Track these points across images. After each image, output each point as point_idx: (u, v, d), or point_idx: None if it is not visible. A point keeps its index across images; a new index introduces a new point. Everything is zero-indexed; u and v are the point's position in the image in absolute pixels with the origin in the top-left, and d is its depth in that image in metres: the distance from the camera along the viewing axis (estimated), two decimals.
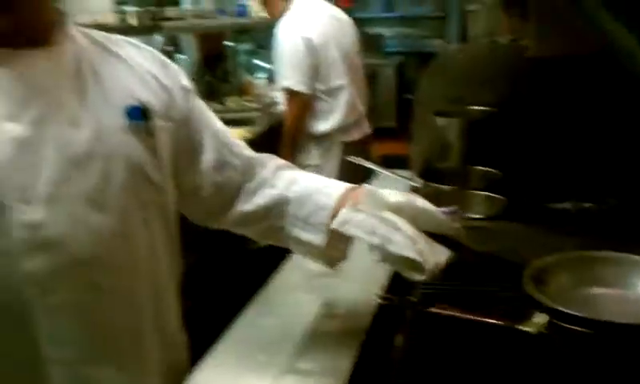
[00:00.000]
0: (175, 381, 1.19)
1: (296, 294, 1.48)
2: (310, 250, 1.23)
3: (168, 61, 1.22)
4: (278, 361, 1.14)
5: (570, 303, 0.93)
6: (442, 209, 1.17)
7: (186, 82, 1.23)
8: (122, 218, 1.05)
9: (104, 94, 1.06)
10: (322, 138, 3.46)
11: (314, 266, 1.30)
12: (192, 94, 1.24)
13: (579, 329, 0.87)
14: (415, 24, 8.96)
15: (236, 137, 1.32)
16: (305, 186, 1.25)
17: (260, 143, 3.61)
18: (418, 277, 1.05)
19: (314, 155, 3.46)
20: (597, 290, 1.02)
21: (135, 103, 1.09)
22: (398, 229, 1.08)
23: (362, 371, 1.06)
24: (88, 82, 1.05)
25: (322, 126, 3.43)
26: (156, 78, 1.15)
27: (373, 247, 1.10)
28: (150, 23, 3.00)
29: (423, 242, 1.07)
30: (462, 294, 1.20)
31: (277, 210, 1.25)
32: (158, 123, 1.11)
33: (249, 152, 1.32)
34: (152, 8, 3.17)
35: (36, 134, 0.96)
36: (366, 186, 1.21)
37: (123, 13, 3.04)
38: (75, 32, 1.09)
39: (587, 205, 1.88)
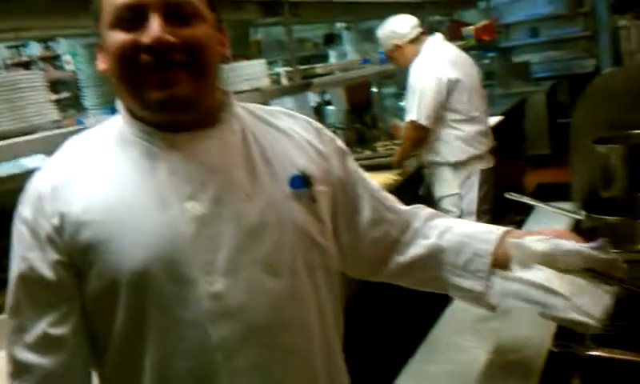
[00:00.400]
0: None
1: (463, 338, 1.48)
2: (470, 296, 1.25)
3: (322, 127, 1.29)
4: None
5: None
6: (591, 244, 1.14)
7: (341, 144, 1.30)
8: (292, 281, 1.11)
9: (270, 166, 1.14)
10: (460, 167, 3.63)
11: (477, 310, 1.31)
12: (347, 156, 1.30)
13: None
14: (563, 46, 8.70)
15: (388, 180, 1.37)
16: (458, 234, 1.28)
17: (408, 183, 3.69)
18: (587, 330, 1.04)
19: (452, 184, 3.63)
20: None
21: (297, 172, 1.16)
22: (552, 292, 1.08)
23: None
24: (255, 157, 1.14)
25: (459, 154, 3.60)
26: (313, 146, 1.22)
27: (534, 309, 1.10)
28: (301, 82, 3.15)
29: (581, 296, 1.06)
30: (635, 335, 1.15)
31: (433, 259, 1.28)
32: (319, 188, 1.18)
33: (401, 206, 1.36)
34: (302, 66, 3.33)
35: (214, 211, 1.06)
36: (512, 241, 1.21)
37: (277, 75, 3.23)
38: (239, 109, 1.19)
39: None
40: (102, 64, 1.09)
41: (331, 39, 6.07)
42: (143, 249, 1.02)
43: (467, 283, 1.24)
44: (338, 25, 5.43)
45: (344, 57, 4.35)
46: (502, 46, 8.76)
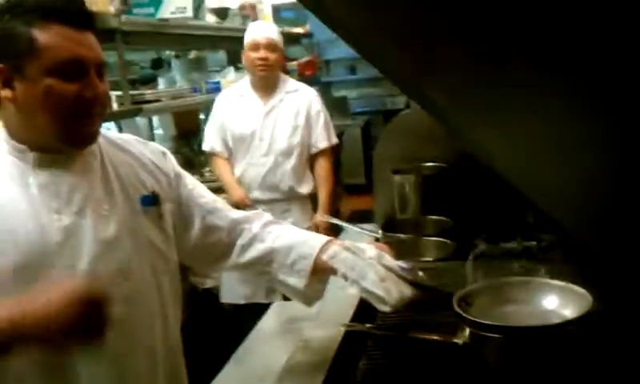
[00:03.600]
0: None
1: (276, 337, 1.73)
2: (294, 291, 1.51)
3: (166, 151, 1.53)
4: None
5: (488, 318, 1.19)
6: (402, 264, 1.44)
7: (178, 168, 1.53)
8: (140, 285, 1.34)
9: (124, 187, 1.36)
10: None
11: (290, 313, 1.55)
12: (182, 177, 1.53)
13: (492, 335, 1.13)
14: (378, 84, 9.30)
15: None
16: (288, 239, 1.53)
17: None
18: (384, 308, 1.34)
19: None
20: (510, 307, 1.28)
21: (147, 193, 1.39)
22: (372, 266, 1.37)
23: None
24: (111, 178, 1.35)
25: None
26: (160, 168, 1.46)
27: (351, 281, 1.38)
28: (131, 107, 3.26)
29: (391, 281, 1.35)
30: (412, 321, 1.47)
31: (266, 259, 1.53)
32: (165, 206, 1.42)
33: (234, 214, 1.59)
34: (132, 92, 3.43)
35: (78, 223, 1.26)
36: (344, 241, 1.50)
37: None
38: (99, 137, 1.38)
39: (530, 243, 2.14)
40: (6, 92, 1.23)
41: (159, 64, 6.17)
42: (16, 251, 1.19)
43: (292, 280, 1.49)
44: (167, 52, 5.55)
45: (173, 84, 4.49)
46: (323, 81, 9.30)
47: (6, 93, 1.23)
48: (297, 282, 1.48)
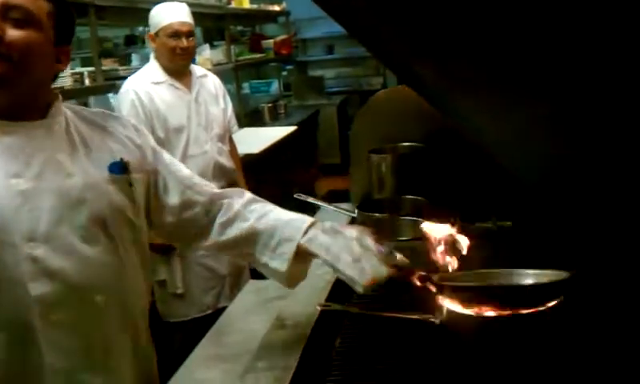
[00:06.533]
0: None
1: (251, 315, 1.72)
2: (274, 273, 1.47)
3: (140, 126, 1.50)
4: (239, 366, 1.39)
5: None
6: (379, 248, 1.42)
7: (154, 143, 1.50)
8: (107, 250, 1.31)
9: (90, 153, 1.33)
10: None
11: (265, 292, 1.54)
12: (159, 152, 1.51)
13: (467, 313, 1.14)
14: (355, 64, 9.34)
15: None
16: (272, 220, 1.49)
17: None
18: (358, 289, 1.33)
19: None
20: None
21: (116, 160, 1.36)
22: (347, 248, 1.35)
23: (307, 367, 1.31)
24: (77, 145, 1.32)
25: None
26: (131, 140, 1.43)
27: (326, 262, 1.37)
28: (103, 82, 3.21)
29: (366, 262, 1.34)
30: (388, 300, 1.47)
31: (249, 240, 1.49)
32: (135, 176, 1.39)
33: (215, 190, 1.57)
34: (106, 68, 3.38)
35: (37, 187, 1.23)
36: (326, 223, 1.46)
37: (79, 74, 3.26)
38: (66, 109, 1.36)
39: (506, 223, 2.16)
40: None
41: (133, 41, 6.09)
42: None
43: (274, 263, 1.45)
44: (141, 28, 5.48)
45: (146, 60, 4.43)
46: (299, 60, 9.28)
47: None
48: (279, 264, 1.45)
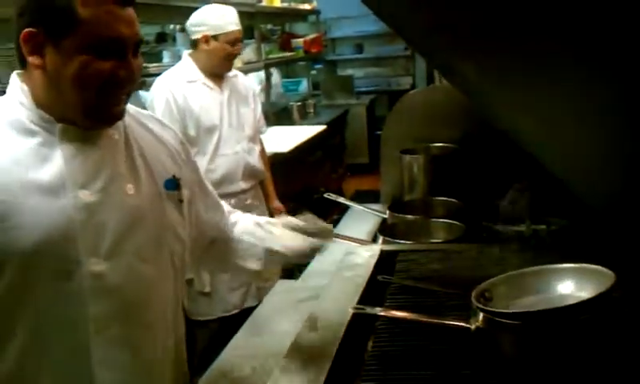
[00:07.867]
0: None
1: (283, 315, 1.71)
2: (248, 272, 1.58)
3: (185, 140, 1.49)
4: (271, 366, 1.37)
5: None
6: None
7: (191, 156, 1.49)
8: (161, 267, 1.30)
9: (148, 167, 1.31)
10: None
11: (297, 293, 1.63)
12: (196, 165, 1.51)
13: (510, 322, 1.11)
14: (384, 63, 9.28)
15: None
16: (243, 226, 1.57)
17: None
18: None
19: None
20: (527, 298, 1.24)
21: (170, 176, 1.34)
22: (270, 233, 1.52)
23: (340, 369, 1.28)
24: (136, 157, 1.29)
25: None
26: (179, 154, 1.41)
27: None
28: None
29: (290, 241, 1.51)
30: (421, 304, 1.44)
31: (224, 247, 1.56)
32: (184, 191, 1.37)
33: (225, 207, 1.60)
34: None
35: (102, 200, 1.20)
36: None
37: None
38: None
39: (540, 227, 2.11)
40: (35, 59, 1.16)
41: (163, 38, 6.11)
42: (38, 228, 1.13)
43: (246, 264, 1.56)
44: (172, 26, 5.49)
45: (178, 58, 4.44)
46: (328, 59, 9.25)
47: (34, 59, 1.16)
48: (253, 265, 1.55)
